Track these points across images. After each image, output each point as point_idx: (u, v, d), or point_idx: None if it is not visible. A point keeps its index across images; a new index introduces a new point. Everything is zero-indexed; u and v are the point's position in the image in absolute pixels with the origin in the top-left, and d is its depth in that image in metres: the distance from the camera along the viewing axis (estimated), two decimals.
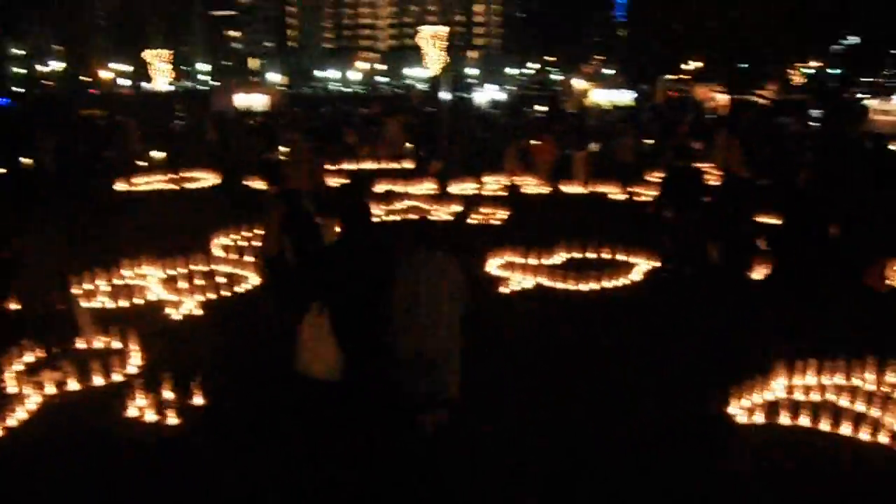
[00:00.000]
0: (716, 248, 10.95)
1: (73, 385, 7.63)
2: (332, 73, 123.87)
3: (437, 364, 6.00)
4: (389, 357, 6.06)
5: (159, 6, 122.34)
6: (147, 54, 72.10)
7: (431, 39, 60.11)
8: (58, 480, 6.05)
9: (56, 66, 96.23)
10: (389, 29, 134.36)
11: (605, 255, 12.58)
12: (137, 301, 10.36)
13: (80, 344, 8.71)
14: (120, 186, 19.29)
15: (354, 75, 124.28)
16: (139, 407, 7.08)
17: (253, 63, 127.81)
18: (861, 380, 7.67)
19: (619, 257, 12.51)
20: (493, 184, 19.28)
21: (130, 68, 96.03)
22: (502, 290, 11.15)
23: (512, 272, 11.63)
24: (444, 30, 63.67)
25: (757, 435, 6.84)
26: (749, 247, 11.07)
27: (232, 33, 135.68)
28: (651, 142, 25.61)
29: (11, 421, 6.96)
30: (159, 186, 19.80)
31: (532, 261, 12.11)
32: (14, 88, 70.02)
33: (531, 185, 19.28)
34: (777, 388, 7.53)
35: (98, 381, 7.75)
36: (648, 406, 7.33)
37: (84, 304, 9.77)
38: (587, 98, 54.64)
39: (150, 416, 7.01)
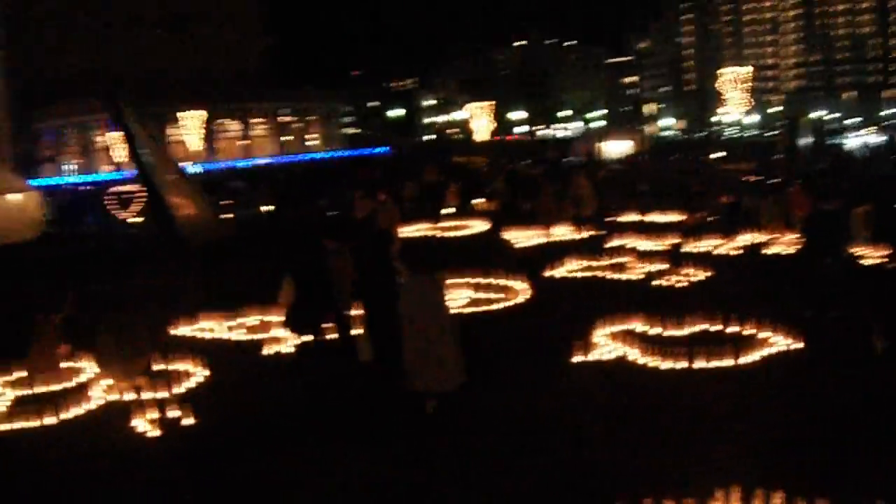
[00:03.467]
0: None
1: None
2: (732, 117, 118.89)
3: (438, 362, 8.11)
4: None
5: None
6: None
7: (734, 82, 56.56)
8: None
9: (460, 115, 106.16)
10: (796, 69, 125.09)
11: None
12: None
13: None
14: None
15: (752, 118, 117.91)
16: None
17: (648, 108, 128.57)
18: None
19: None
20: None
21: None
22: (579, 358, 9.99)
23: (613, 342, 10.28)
24: (746, 70, 60.30)
25: None
26: None
27: (628, 80, 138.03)
28: None
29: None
30: None
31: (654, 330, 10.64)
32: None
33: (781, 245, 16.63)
34: None
35: None
36: None
37: None
38: None
39: None
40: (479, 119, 51.42)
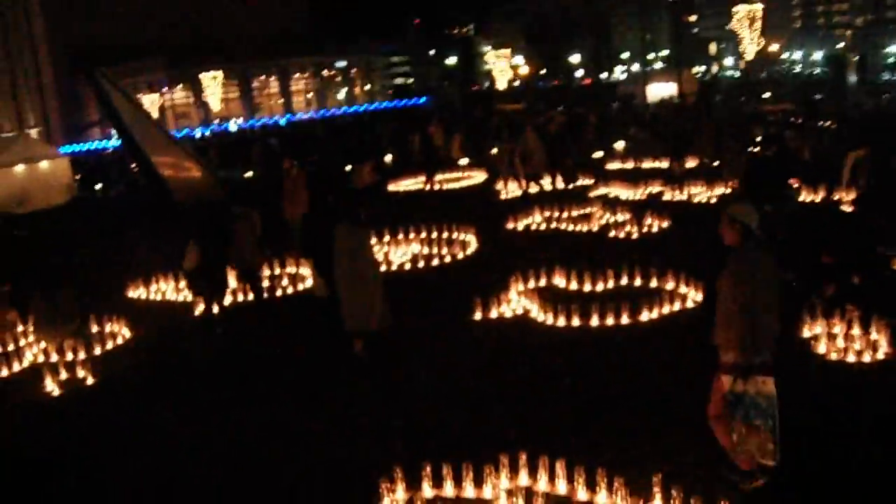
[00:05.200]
0: None
1: None
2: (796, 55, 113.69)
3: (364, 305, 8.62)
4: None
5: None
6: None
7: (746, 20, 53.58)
8: None
9: (517, 60, 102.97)
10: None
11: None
12: None
13: None
14: None
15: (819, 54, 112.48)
16: None
17: (711, 47, 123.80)
18: None
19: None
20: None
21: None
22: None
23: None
24: (757, 6, 57.22)
25: None
26: None
27: (692, 18, 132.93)
28: None
29: None
30: None
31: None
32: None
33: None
34: None
35: None
36: None
37: None
38: None
39: None
40: (497, 67, 49.88)
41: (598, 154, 23.96)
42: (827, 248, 8.87)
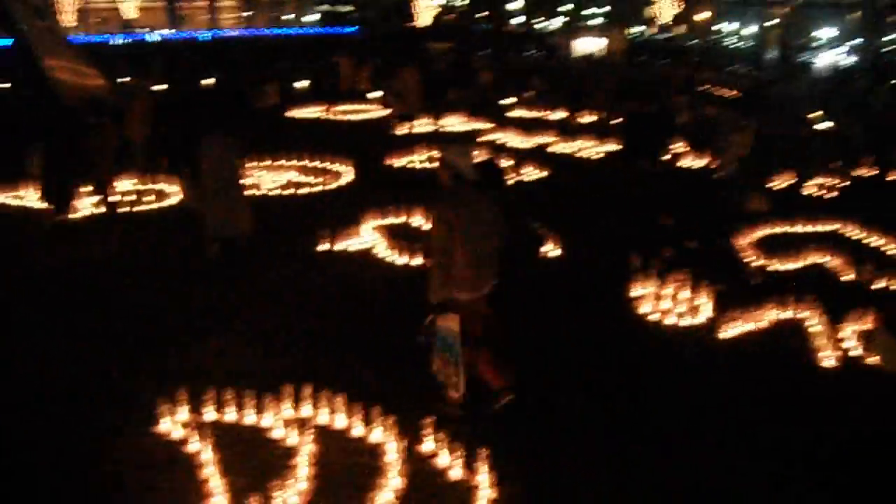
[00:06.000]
0: None
1: None
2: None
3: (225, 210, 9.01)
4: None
5: None
6: None
7: None
8: None
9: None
10: None
11: None
12: None
13: None
14: None
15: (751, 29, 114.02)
16: None
17: (648, 11, 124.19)
18: None
19: None
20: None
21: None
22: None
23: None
24: None
25: None
26: None
27: None
28: None
29: None
30: None
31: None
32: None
33: None
34: None
35: None
36: None
37: None
38: None
39: None
40: (422, 2, 48.54)
41: (510, 100, 23.73)
42: (666, 209, 8.97)
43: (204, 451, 5.30)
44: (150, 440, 5.56)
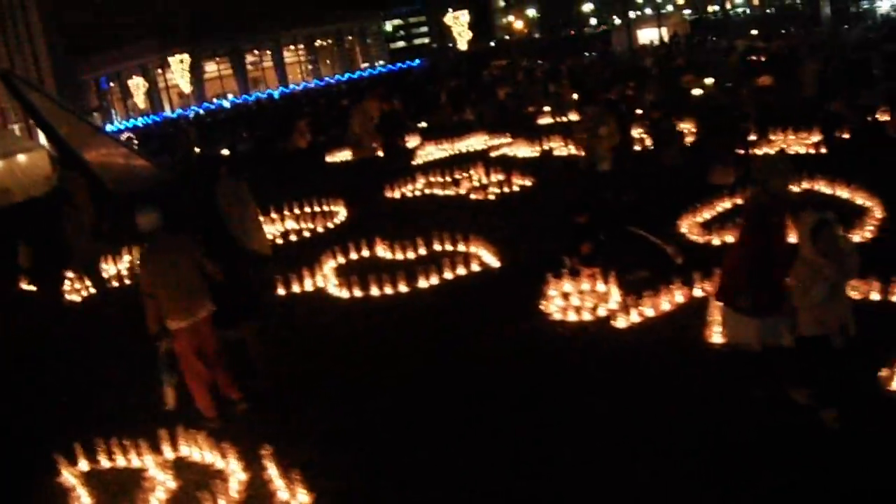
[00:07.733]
0: None
1: None
2: None
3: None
4: None
5: None
6: None
7: None
8: None
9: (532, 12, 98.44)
10: None
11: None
12: None
13: None
14: None
15: None
16: None
17: None
18: None
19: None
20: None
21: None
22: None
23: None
24: None
25: None
26: None
27: None
28: None
29: None
30: None
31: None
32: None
33: None
34: None
35: None
36: None
37: None
38: None
39: None
40: (457, 29, 48.50)
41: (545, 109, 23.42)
42: (579, 209, 9.03)
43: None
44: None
